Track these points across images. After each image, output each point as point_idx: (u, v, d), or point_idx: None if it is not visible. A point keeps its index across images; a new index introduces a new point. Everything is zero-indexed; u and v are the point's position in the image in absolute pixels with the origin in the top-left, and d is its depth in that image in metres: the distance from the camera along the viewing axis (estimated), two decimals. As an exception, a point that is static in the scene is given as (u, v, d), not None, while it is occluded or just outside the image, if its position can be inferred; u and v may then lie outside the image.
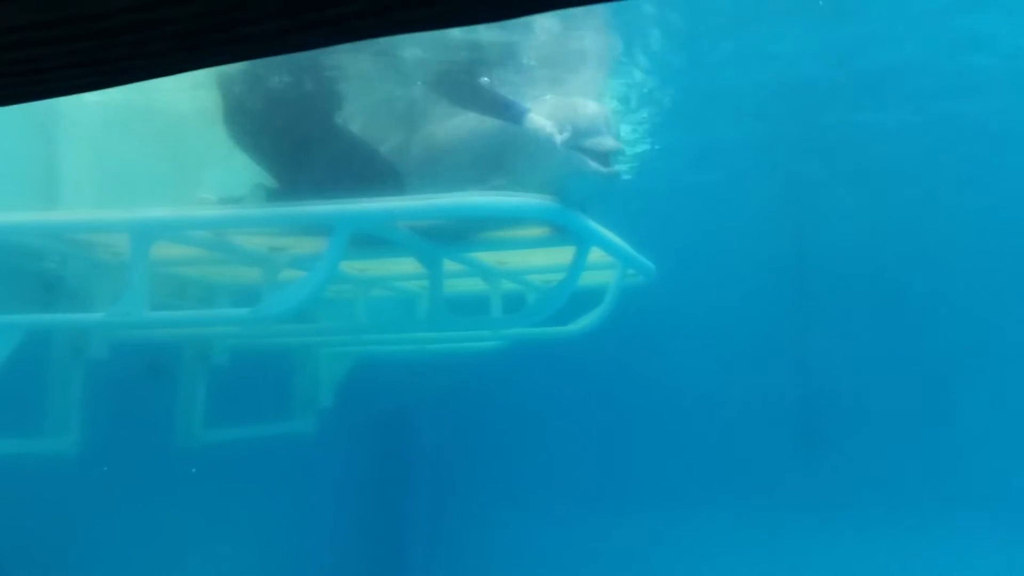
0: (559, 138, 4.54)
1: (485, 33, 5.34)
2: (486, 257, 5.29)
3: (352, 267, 5.54)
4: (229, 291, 5.82)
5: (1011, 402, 10.01)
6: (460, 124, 5.06)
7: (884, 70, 8.56)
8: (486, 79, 5.00)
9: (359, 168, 4.83)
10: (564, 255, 4.80)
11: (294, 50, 0.90)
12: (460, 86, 4.95)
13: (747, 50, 8.19)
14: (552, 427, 10.60)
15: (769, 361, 10.69)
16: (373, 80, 5.20)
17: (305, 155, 4.86)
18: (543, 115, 4.70)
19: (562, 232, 4.64)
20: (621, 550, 10.04)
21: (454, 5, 0.83)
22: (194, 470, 6.16)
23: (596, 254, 4.89)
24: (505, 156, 4.75)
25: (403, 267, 5.51)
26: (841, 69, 8.52)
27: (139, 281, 4.21)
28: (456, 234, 4.82)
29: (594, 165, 4.49)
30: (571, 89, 6.15)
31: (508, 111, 4.74)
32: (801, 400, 10.62)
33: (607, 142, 4.54)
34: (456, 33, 5.13)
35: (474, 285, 5.80)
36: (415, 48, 5.09)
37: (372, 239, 4.60)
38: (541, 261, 5.48)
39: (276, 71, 4.83)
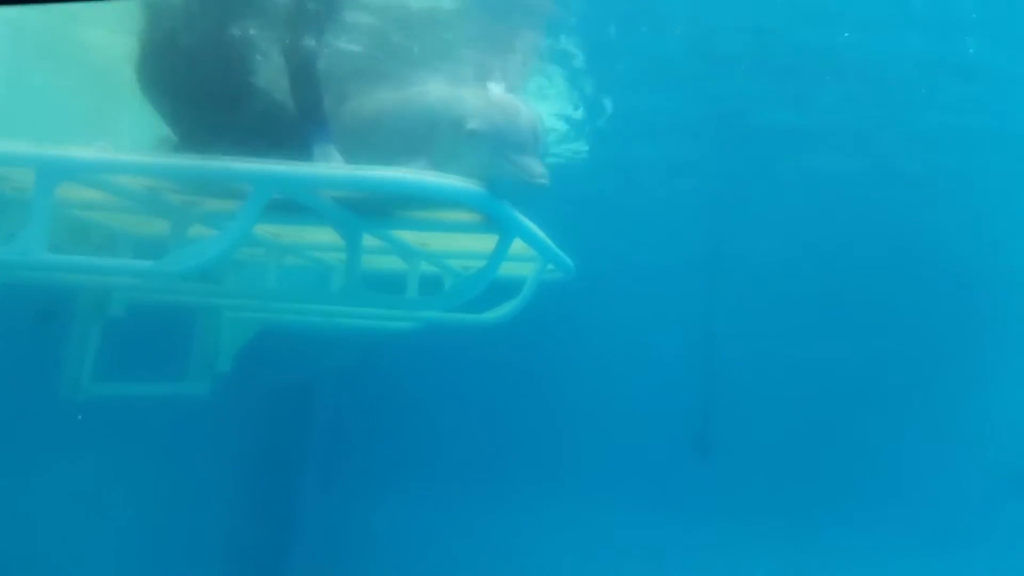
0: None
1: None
2: (407, 236, 5.20)
3: (266, 231, 5.37)
4: (134, 241, 5.59)
5: (909, 408, 10.54)
6: (389, 99, 4.96)
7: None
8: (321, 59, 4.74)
9: (266, 131, 4.64)
10: (485, 243, 4.74)
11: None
12: (295, 44, 4.70)
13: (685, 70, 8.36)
14: (453, 415, 10.56)
15: (672, 368, 10.89)
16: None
17: (213, 110, 4.66)
18: (476, 104, 4.59)
19: (487, 220, 4.58)
20: (510, 542, 10.07)
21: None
22: (80, 417, 5.90)
23: (517, 246, 4.85)
24: (430, 140, 4.64)
25: (320, 236, 5.38)
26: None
27: (40, 220, 3.98)
28: (379, 209, 4.71)
29: (519, 175, 4.41)
30: (491, 74, 6.08)
31: (309, 114, 4.54)
32: (700, 406, 10.87)
33: (535, 167, 4.42)
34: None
35: (391, 263, 5.70)
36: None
37: (292, 204, 4.46)
38: (462, 246, 5.42)
39: (200, 19, 4.63)
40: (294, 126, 4.70)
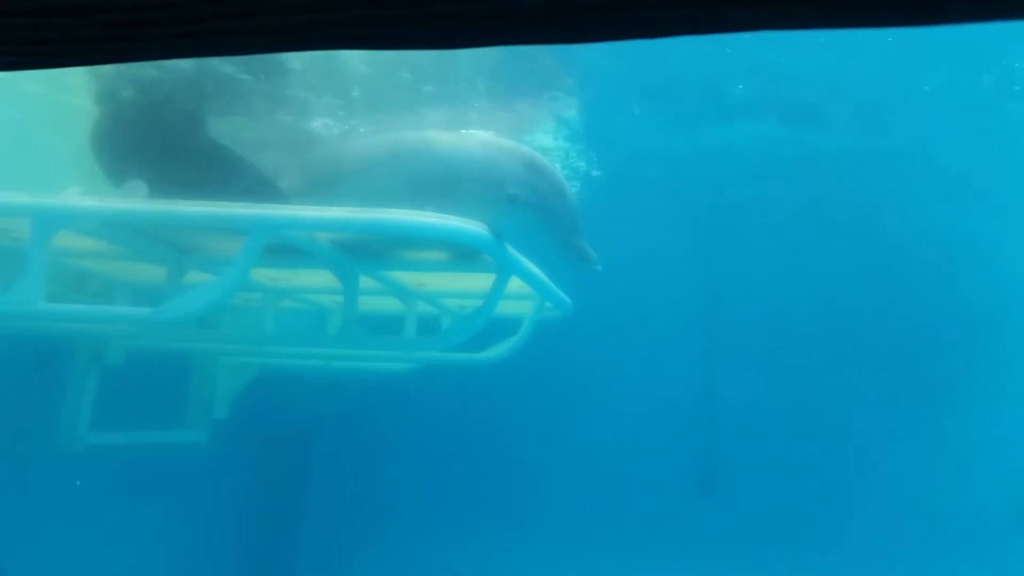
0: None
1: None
2: (404, 277, 5.19)
3: (263, 275, 5.36)
4: (130, 289, 5.57)
5: (910, 443, 10.53)
6: (373, 147, 4.99)
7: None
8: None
9: (230, 182, 4.65)
10: (481, 281, 4.73)
11: (237, 53, 0.87)
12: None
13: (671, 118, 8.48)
14: (452, 457, 10.47)
15: (674, 406, 10.85)
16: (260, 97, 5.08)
17: (178, 167, 4.68)
18: (516, 167, 4.62)
19: (485, 259, 4.57)
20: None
21: (409, 29, 0.81)
22: (79, 482, 5.85)
23: (515, 284, 4.84)
24: (448, 188, 4.63)
25: (317, 280, 5.37)
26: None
27: (36, 270, 3.98)
28: (374, 251, 4.71)
29: (572, 258, 4.60)
30: (511, 121, 6.15)
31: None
32: (703, 442, 10.81)
33: (588, 251, 4.61)
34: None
35: (389, 304, 5.69)
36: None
37: (288, 248, 4.45)
38: (458, 285, 5.41)
39: (151, 86, 4.66)
40: (261, 180, 4.72)
